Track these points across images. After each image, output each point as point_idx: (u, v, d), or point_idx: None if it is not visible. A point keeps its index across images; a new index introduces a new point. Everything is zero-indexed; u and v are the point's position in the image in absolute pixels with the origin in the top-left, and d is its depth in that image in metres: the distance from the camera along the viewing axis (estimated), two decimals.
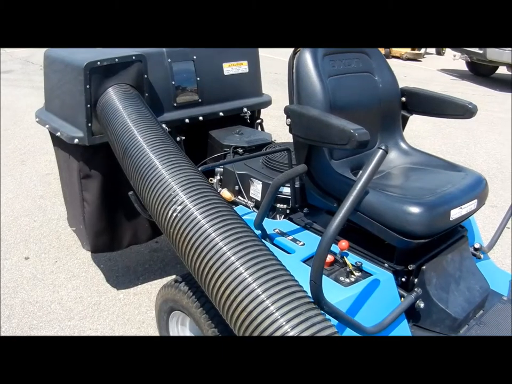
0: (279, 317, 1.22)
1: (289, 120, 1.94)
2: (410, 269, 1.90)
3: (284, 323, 1.21)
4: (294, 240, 2.03)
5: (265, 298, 1.26)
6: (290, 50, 2.00)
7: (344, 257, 1.91)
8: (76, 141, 2.45)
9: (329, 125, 1.74)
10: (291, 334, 1.20)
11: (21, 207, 4.11)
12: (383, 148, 1.49)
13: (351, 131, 1.63)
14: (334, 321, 1.43)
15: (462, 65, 11.12)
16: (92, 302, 2.97)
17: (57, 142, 2.73)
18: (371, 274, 1.85)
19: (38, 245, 3.56)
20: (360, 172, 1.49)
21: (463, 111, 2.21)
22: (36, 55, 10.15)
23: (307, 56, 2.00)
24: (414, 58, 12.66)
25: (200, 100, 2.88)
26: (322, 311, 1.32)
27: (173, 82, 2.75)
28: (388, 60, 2.37)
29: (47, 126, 2.69)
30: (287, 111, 1.95)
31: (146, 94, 2.55)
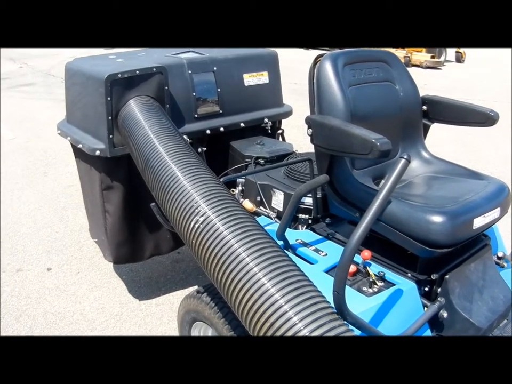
0: (302, 327, 1.22)
1: (310, 130, 1.94)
2: (433, 278, 1.88)
3: (307, 333, 1.20)
4: (316, 250, 2.02)
5: (288, 309, 1.25)
6: (307, 59, 2.00)
7: (367, 267, 1.90)
8: (98, 152, 2.47)
9: (351, 134, 1.73)
10: None
11: (43, 218, 4.16)
12: (405, 157, 1.48)
13: (373, 141, 1.62)
14: (357, 332, 1.42)
15: None
16: (113, 313, 2.98)
17: (79, 153, 2.75)
18: (394, 284, 1.84)
19: (60, 256, 3.59)
20: (383, 181, 1.48)
21: (485, 118, 2.19)
22: (56, 68, 10.28)
23: (327, 66, 2.00)
24: (434, 67, 12.58)
25: (221, 111, 2.89)
26: (345, 322, 1.31)
27: (194, 94, 2.76)
28: (408, 69, 2.36)
29: (68, 138, 2.72)
30: (308, 121, 1.95)
31: (168, 106, 2.57)
